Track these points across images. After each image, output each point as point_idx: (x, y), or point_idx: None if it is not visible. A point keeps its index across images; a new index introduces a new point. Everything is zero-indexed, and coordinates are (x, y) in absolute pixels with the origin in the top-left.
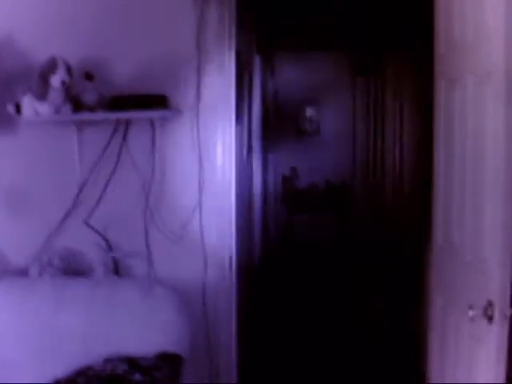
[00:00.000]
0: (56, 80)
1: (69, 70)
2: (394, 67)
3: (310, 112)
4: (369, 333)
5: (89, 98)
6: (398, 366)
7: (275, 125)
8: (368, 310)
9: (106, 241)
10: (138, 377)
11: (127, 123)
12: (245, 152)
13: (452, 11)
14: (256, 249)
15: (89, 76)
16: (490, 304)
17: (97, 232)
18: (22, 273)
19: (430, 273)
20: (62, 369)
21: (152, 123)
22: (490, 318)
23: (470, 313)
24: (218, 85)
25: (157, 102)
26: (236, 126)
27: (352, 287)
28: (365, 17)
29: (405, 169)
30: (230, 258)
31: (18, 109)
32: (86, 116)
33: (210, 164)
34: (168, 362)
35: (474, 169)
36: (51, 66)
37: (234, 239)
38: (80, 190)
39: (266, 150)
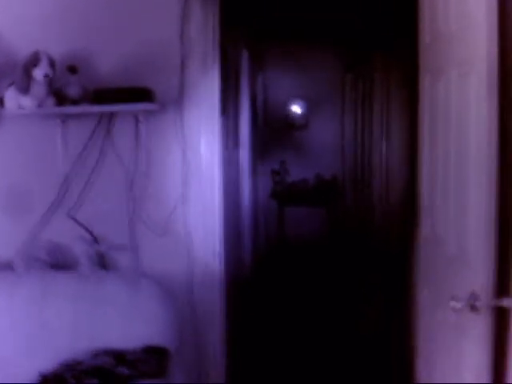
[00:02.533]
0: (39, 73)
1: (52, 63)
2: (382, 64)
3: (299, 107)
4: (357, 327)
5: (72, 91)
6: (386, 360)
7: (264, 120)
8: (356, 303)
9: (91, 234)
10: (124, 370)
11: (111, 116)
12: (231, 146)
13: (436, 3)
14: (245, 242)
15: (72, 69)
16: (474, 295)
17: (82, 225)
18: (8, 267)
19: (416, 266)
20: (49, 362)
21: (136, 116)
22: (475, 309)
23: (455, 304)
24: (203, 78)
25: (141, 95)
26: (222, 120)
27: (340, 280)
28: (353, 14)
29: (392, 163)
30: (217, 250)
31: (1, 103)
32: (69, 109)
33: (194, 157)
34: (154, 356)
35: (458, 162)
36: (34, 60)
37: (220, 232)
38: (64, 184)
39: (254, 144)
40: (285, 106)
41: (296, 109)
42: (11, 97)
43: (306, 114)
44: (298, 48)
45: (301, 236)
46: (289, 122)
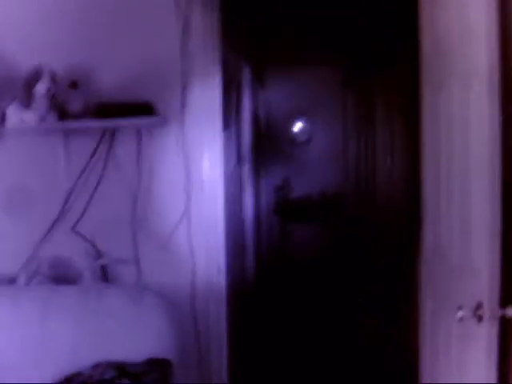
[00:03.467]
0: (41, 88)
1: (54, 78)
2: (383, 78)
3: (301, 124)
4: (362, 338)
5: (74, 106)
6: (390, 369)
7: (266, 135)
8: (358, 315)
9: (94, 248)
10: (126, 382)
11: (113, 131)
12: (234, 161)
13: (436, 16)
14: (248, 257)
15: (74, 84)
16: (479, 305)
17: (85, 239)
18: (10, 281)
19: (420, 277)
20: (51, 376)
21: (138, 131)
22: (480, 319)
23: (460, 314)
24: (205, 93)
25: (143, 109)
26: (224, 135)
27: (342, 294)
28: (354, 29)
29: (396, 176)
30: (220, 265)
31: (3, 118)
32: (71, 124)
33: (197, 172)
34: (157, 368)
35: (462, 173)
36: (36, 75)
37: (223, 246)
38: (67, 198)
39: (257, 160)
40: (287, 121)
41: (298, 124)
42: (13, 111)
43: (309, 130)
44: (300, 63)
45: (304, 251)
46: (291, 137)
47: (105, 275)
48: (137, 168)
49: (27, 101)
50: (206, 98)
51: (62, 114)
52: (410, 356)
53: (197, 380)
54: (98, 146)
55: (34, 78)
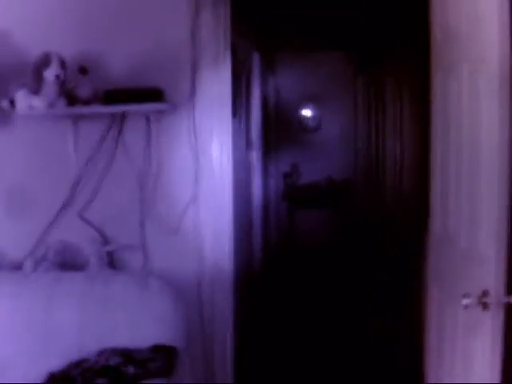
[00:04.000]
0: (50, 74)
1: (63, 64)
2: (393, 65)
3: (311, 109)
4: (368, 326)
5: (83, 91)
6: (396, 358)
7: (276, 122)
8: (368, 303)
9: (102, 234)
10: (132, 369)
11: (122, 117)
12: (243, 147)
13: (447, 2)
14: (256, 244)
15: (83, 70)
16: (485, 292)
17: (92, 225)
18: (17, 267)
19: (427, 265)
20: (57, 362)
21: (147, 117)
22: (486, 307)
23: (466, 301)
24: (215, 79)
25: (152, 95)
26: (233, 121)
27: (349, 281)
28: (365, 15)
29: (405, 163)
30: (227, 251)
31: (12, 104)
32: (80, 110)
33: (206, 158)
34: (162, 354)
35: (470, 159)
36: (45, 61)
37: (231, 232)
38: (75, 184)
39: (266, 146)
40: (296, 107)
41: (307, 111)
42: (22, 98)
43: (318, 116)
44: (309, 49)
45: (311, 238)
46: (301, 123)
47: (112, 261)
48: (145, 154)
49: (36, 87)
50: (215, 84)
51: (71, 99)
52: (416, 345)
53: (201, 367)
54: (107, 132)
55: (43, 63)
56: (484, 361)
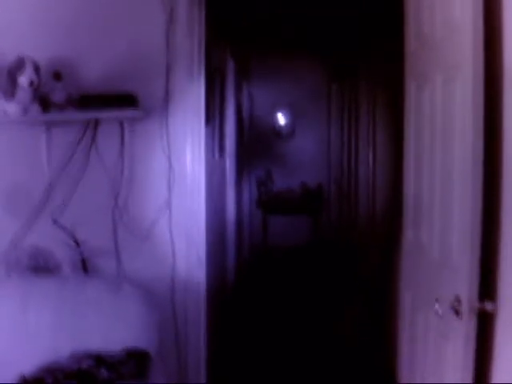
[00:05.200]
0: (24, 80)
1: (37, 69)
2: (367, 73)
3: (285, 117)
4: (341, 331)
5: (57, 97)
6: (368, 364)
7: (250, 129)
8: (341, 309)
9: (75, 239)
10: (104, 372)
11: (96, 123)
12: (216, 154)
13: (421, 10)
14: (229, 249)
15: (57, 75)
16: (457, 299)
17: (65, 230)
18: None
19: (399, 271)
20: (30, 365)
21: (121, 122)
22: (458, 313)
23: (438, 308)
24: (189, 86)
25: (126, 101)
26: (207, 128)
27: (323, 286)
28: (338, 25)
29: (378, 170)
30: (200, 256)
31: None
32: (54, 116)
33: (179, 164)
34: (135, 358)
35: (444, 168)
36: (19, 66)
37: (203, 239)
38: (49, 189)
39: (240, 153)
40: (270, 115)
41: (282, 118)
42: None
43: (292, 123)
44: (284, 57)
45: (285, 243)
46: (274, 131)
47: (85, 266)
48: (119, 160)
49: (10, 92)
50: (189, 90)
51: (45, 105)
52: (389, 350)
53: (174, 371)
54: (80, 137)
55: (17, 68)
56: (456, 366)
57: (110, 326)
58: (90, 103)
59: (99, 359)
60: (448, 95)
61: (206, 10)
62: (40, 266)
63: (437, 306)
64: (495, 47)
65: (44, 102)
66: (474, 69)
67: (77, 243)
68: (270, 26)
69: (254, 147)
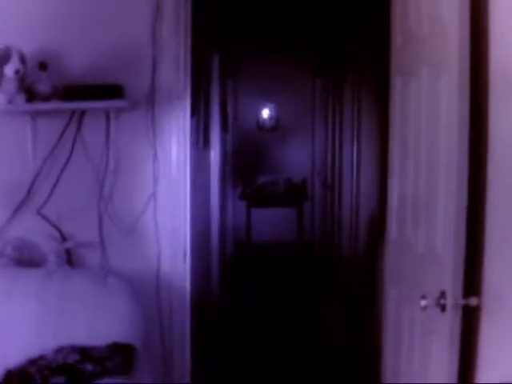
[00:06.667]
0: (9, 69)
1: (22, 59)
2: (352, 68)
3: (269, 110)
4: (325, 328)
5: (43, 87)
6: (354, 358)
7: (234, 122)
8: (325, 304)
9: (60, 231)
10: (89, 367)
11: (82, 113)
12: (201, 146)
13: (408, 5)
14: (213, 242)
15: (43, 66)
16: (442, 294)
17: (50, 222)
18: None
19: (384, 267)
20: (14, 359)
21: (107, 113)
22: (443, 308)
23: (423, 303)
24: (174, 77)
25: (112, 92)
26: (192, 120)
27: (309, 282)
28: (324, 19)
29: (362, 165)
30: (185, 250)
31: None
32: (39, 106)
33: (164, 156)
34: (120, 352)
35: (429, 163)
36: (5, 56)
37: (188, 231)
38: (33, 180)
39: (224, 146)
40: (255, 108)
41: (266, 112)
42: None
43: (277, 117)
44: (269, 52)
45: (269, 236)
46: (259, 124)
47: (70, 259)
48: (104, 151)
49: None
50: (175, 83)
51: (31, 95)
52: (374, 345)
53: (159, 365)
54: (65, 128)
55: (2, 58)
56: (441, 361)
57: (95, 320)
58: (76, 94)
59: (84, 353)
60: (434, 91)
61: (192, 6)
62: (24, 259)
63: (422, 301)
64: (481, 43)
65: (29, 92)
66: (460, 64)
67: (62, 235)
68: (255, 21)
69: (239, 140)
